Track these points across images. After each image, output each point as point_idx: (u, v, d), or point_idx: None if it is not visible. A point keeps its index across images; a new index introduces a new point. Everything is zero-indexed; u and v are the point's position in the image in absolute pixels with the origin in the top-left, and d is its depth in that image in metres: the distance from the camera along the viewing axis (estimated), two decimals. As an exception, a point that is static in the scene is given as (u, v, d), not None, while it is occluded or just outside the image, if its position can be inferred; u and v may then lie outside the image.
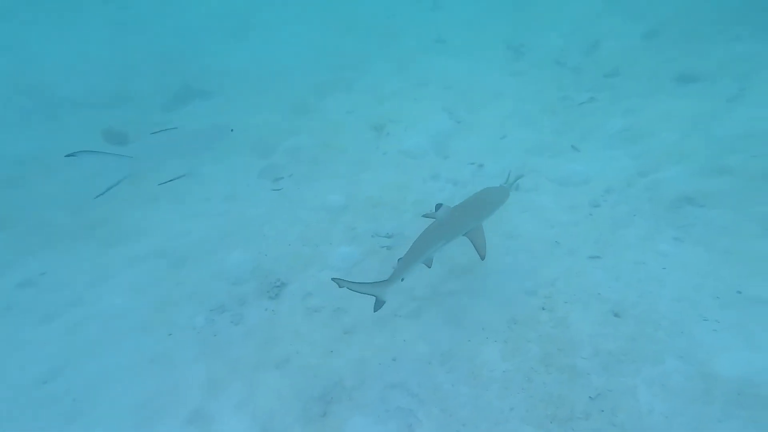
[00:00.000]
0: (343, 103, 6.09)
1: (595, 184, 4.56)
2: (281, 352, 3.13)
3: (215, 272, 3.83)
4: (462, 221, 3.14)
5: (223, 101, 6.67)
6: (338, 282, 2.87)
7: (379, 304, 2.94)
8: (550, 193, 4.65)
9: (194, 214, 4.57)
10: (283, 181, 4.81)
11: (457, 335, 3.19)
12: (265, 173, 4.90)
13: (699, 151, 4.35)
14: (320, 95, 6.22)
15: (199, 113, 6.41)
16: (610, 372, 2.74)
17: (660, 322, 2.97)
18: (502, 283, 3.56)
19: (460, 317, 3.33)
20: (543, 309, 3.31)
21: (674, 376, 2.61)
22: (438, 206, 3.06)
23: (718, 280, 3.17)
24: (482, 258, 3.06)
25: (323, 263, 3.76)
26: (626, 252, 3.66)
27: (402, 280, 2.92)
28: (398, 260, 2.98)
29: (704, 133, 4.53)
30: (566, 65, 6.56)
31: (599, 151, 5.06)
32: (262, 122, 5.81)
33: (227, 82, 7.05)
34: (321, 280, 3.62)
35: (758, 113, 4.41)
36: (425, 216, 3.48)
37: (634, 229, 3.90)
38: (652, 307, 3.10)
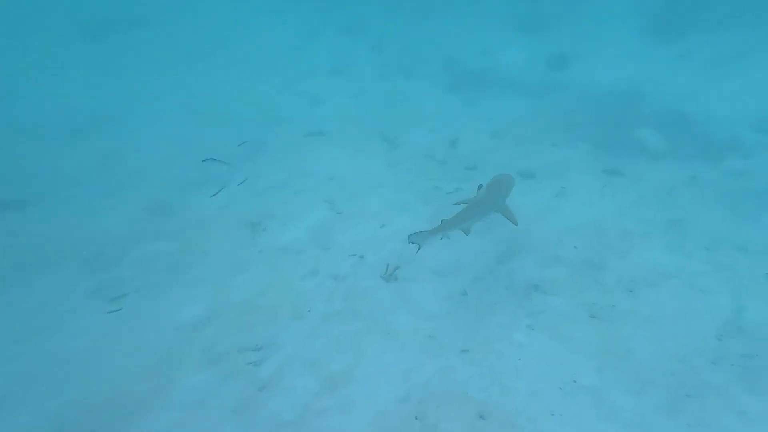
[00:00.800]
0: (215, 201, 5.74)
1: (465, 271, 4.96)
2: None
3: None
4: (493, 200, 4.05)
5: (45, 210, 5.72)
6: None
7: (417, 248, 3.90)
8: (426, 282, 4.89)
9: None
10: (127, 298, 4.11)
11: (327, 468, 2.89)
12: (100, 291, 4.16)
13: (539, 241, 5.10)
14: (186, 193, 5.77)
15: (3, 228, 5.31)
16: (476, 490, 2.71)
17: (518, 422, 3.13)
18: (375, 392, 3.44)
19: (331, 442, 3.07)
20: (416, 418, 3.24)
21: (531, 486, 2.70)
22: (480, 186, 4.20)
23: (561, 368, 3.54)
24: (515, 225, 4.01)
25: (165, 402, 3.16)
26: (490, 343, 3.92)
27: (441, 238, 3.95)
28: (441, 220, 3.96)
29: (542, 224, 5.37)
30: (435, 158, 7.37)
31: (467, 238, 5.61)
32: (103, 229, 5.09)
33: (59, 186, 6.16)
34: (159, 427, 3.00)
35: (576, 210, 5.43)
36: (456, 204, 4.29)
37: (497, 318, 4.25)
38: (512, 404, 3.28)
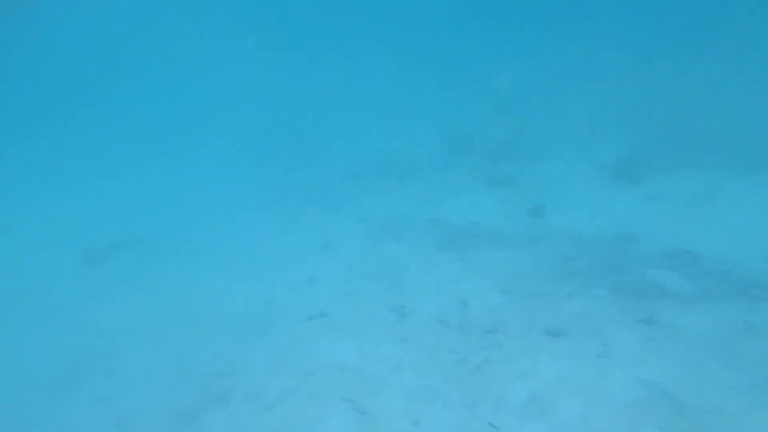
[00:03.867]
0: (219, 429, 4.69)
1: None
2: None
3: None
4: None
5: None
6: None
7: None
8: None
9: None
10: None
11: None
12: None
13: (604, 423, 4.25)
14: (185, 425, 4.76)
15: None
16: None
17: None
18: None
19: None
20: None
21: None
22: None
23: None
24: None
25: None
26: None
27: None
28: None
29: (602, 400, 4.60)
30: (449, 324, 6.82)
31: (517, 427, 4.66)
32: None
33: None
34: None
35: (631, 374, 4.77)
36: None
37: None
38: None
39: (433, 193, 12.69)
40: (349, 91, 23.40)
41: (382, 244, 10.03)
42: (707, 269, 6.21)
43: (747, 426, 3.83)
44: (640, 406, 4.42)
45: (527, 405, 4.89)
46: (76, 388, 6.41)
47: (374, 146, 16.93)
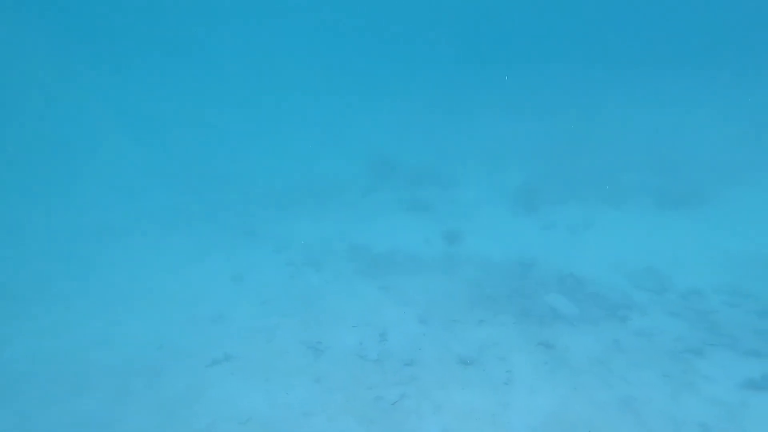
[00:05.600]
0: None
1: None
2: None
3: None
4: None
5: None
6: None
7: None
8: None
9: None
10: None
11: None
12: None
13: (514, 454, 4.41)
14: None
15: None
16: None
17: None
18: None
19: None
20: None
21: None
22: None
23: None
24: None
25: None
26: None
27: None
28: None
29: (506, 430, 4.78)
30: (367, 358, 6.67)
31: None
32: None
33: None
34: None
35: (532, 401, 5.07)
36: None
37: None
38: None
39: (355, 218, 12.63)
40: (268, 113, 22.69)
41: (300, 273, 9.60)
42: (588, 292, 7.00)
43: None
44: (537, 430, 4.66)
45: (439, 442, 4.88)
46: None
47: (294, 169, 16.46)
